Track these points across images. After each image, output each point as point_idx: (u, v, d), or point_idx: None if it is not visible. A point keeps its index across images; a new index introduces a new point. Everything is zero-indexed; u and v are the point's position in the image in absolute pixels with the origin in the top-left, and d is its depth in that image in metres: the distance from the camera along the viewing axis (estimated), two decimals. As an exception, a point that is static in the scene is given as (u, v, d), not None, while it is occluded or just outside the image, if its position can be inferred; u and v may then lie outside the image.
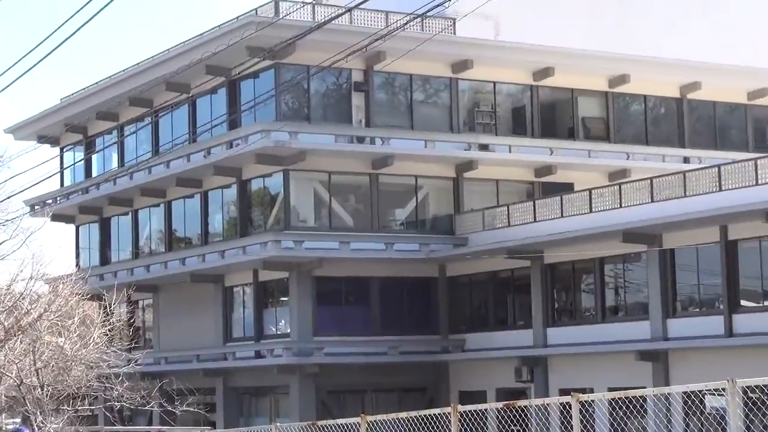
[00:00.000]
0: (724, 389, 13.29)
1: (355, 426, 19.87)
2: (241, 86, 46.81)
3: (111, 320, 42.60)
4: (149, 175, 50.54)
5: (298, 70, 44.72)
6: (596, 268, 43.08)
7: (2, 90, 27.63)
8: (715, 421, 36.42)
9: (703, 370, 35.18)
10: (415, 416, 19.08)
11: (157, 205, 52.74)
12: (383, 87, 47.37)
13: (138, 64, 50.85)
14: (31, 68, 25.13)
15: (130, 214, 54.58)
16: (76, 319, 41.02)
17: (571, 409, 14.83)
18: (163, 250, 52.51)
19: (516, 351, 44.59)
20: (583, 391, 24.32)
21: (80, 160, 57.40)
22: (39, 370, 38.28)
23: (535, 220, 44.41)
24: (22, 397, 38.31)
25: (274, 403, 47.92)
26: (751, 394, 30.23)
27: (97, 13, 20.28)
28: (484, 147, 47.73)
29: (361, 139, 46.08)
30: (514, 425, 34.98)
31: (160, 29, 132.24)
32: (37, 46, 23.40)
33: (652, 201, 40.44)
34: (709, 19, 53.11)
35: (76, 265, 55.28)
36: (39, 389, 38.17)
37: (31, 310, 39.93)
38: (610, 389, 35.71)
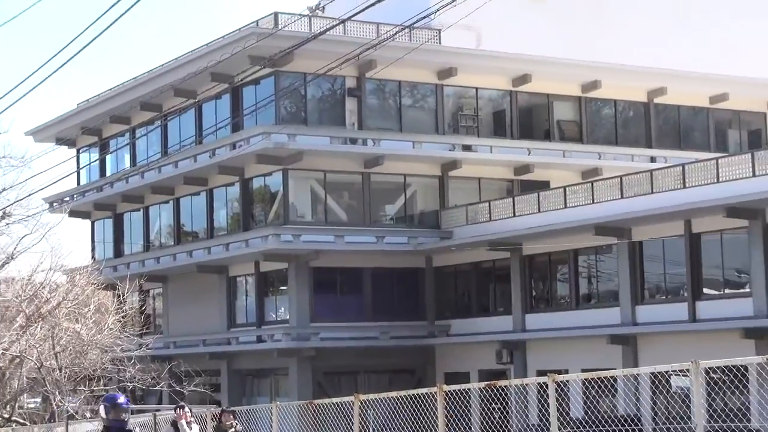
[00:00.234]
0: (688, 370, 13.28)
1: (349, 404, 19.84)
2: (244, 92, 46.73)
3: (124, 308, 42.58)
4: (159, 174, 50.45)
5: (296, 77, 44.68)
6: (571, 259, 43.07)
7: (24, 95, 27.55)
8: (680, 399, 36.45)
9: (668, 352, 35.19)
10: (404, 395, 19.06)
11: (167, 202, 52.65)
12: (374, 92, 47.30)
13: (148, 71, 50.74)
14: (48, 76, 25.07)
15: (141, 210, 54.47)
16: (91, 306, 40.99)
17: (547, 388, 14.82)
18: (172, 243, 52.41)
19: (497, 335, 44.57)
20: (559, 372, 24.31)
21: (95, 161, 57.27)
22: (57, 354, 38.26)
23: (514, 215, 44.37)
24: (42, 378, 38.29)
25: (274, 384, 47.87)
26: (713, 375, 30.33)
27: (110, 25, 20.23)
28: (467, 148, 47.70)
29: (354, 141, 46.03)
30: (495, 404, 34.97)
31: (168, 40, 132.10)
32: (54, 56, 23.34)
33: (622, 197, 40.41)
34: (674, 30, 53.10)
35: (92, 258, 55.14)
36: (58, 371, 38.15)
37: (51, 299, 39.90)
38: (584, 370, 35.69)
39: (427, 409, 18.42)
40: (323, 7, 53.58)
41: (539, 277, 45.01)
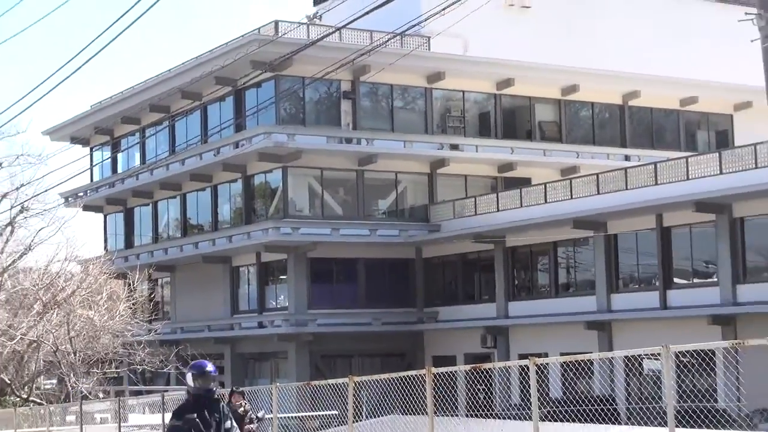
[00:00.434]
0: (659, 354, 13.31)
1: (344, 385, 19.86)
2: (246, 95, 46.68)
3: (134, 296, 42.62)
4: (167, 171, 50.39)
5: (294, 80, 44.62)
6: (550, 251, 43.10)
7: (41, 97, 27.54)
8: (651, 381, 36.53)
9: (641, 337, 35.25)
10: (396, 377, 19.08)
11: (174, 197, 52.59)
12: (368, 95, 47.28)
13: (157, 75, 50.67)
14: (64, 80, 25.07)
15: (150, 204, 54.40)
16: (104, 294, 41.00)
17: (529, 371, 14.86)
18: (179, 235, 52.36)
19: (481, 321, 44.59)
20: (539, 355, 24.35)
21: (107, 158, 57.20)
22: (72, 339, 38.26)
23: (498, 210, 44.38)
24: (58, 361, 38.29)
25: (274, 366, 47.87)
26: (682, 358, 30.38)
27: (120, 33, 20.24)
28: (454, 147, 47.69)
29: (349, 140, 46.01)
30: (480, 385, 34.99)
31: (176, 45, 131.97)
32: (69, 61, 23.33)
33: (598, 193, 40.43)
34: (648, 38, 53.16)
35: (104, 249, 55.14)
36: (72, 355, 38.15)
37: (66, 287, 39.90)
38: (562, 354, 35.66)
39: (417, 390, 18.43)
40: (320, 16, 53.58)
41: (521, 267, 45.03)
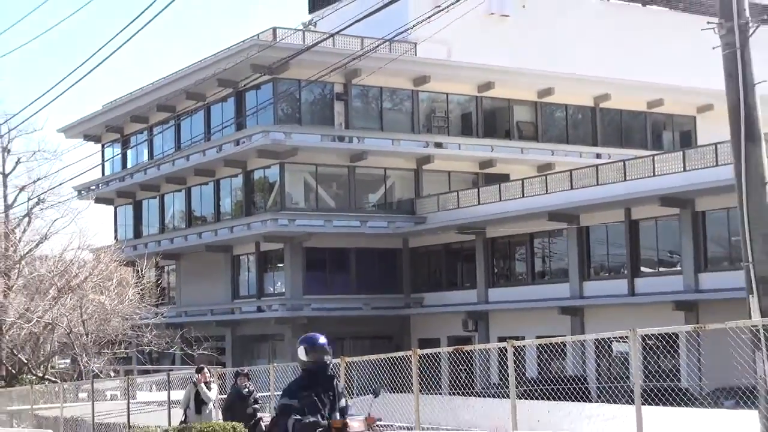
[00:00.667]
0: (627, 337, 13.32)
1: (336, 366, 19.85)
2: (246, 96, 46.61)
3: (142, 282, 42.49)
4: (173, 167, 50.32)
5: (291, 83, 44.56)
6: (527, 242, 43.14)
7: (57, 98, 27.50)
8: (620, 362, 36.57)
9: (610, 322, 35.27)
10: (384, 358, 19.08)
11: (179, 191, 52.52)
12: (359, 97, 47.23)
13: (164, 77, 50.56)
14: (77, 81, 25.00)
15: (157, 197, 54.32)
16: (114, 280, 40.90)
17: (507, 352, 14.86)
18: (184, 226, 52.30)
19: (463, 307, 44.63)
20: (517, 338, 24.40)
21: (118, 155, 57.09)
22: (84, 322, 38.17)
23: (479, 203, 44.40)
24: (71, 342, 38.21)
25: (272, 348, 47.85)
26: (648, 341, 30.37)
27: (130, 38, 20.17)
28: (438, 145, 47.69)
29: (341, 139, 45.97)
30: (462, 365, 35.00)
31: (181, 49, 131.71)
32: (82, 64, 23.30)
33: (572, 188, 40.48)
34: (618, 45, 53.17)
35: (115, 238, 55.04)
36: (84, 336, 38.06)
37: (79, 274, 39.81)
38: (538, 337, 35.80)
39: (404, 370, 18.43)
40: (315, 23, 53.52)
41: (500, 256, 45.06)
